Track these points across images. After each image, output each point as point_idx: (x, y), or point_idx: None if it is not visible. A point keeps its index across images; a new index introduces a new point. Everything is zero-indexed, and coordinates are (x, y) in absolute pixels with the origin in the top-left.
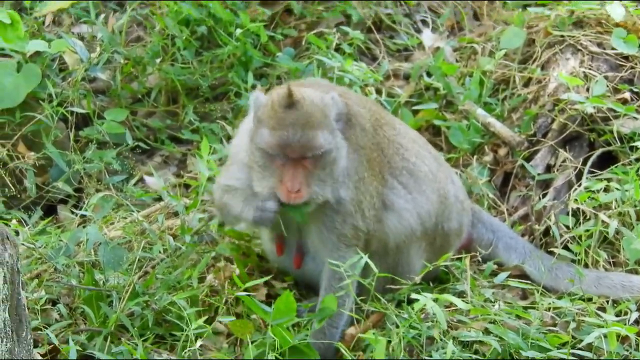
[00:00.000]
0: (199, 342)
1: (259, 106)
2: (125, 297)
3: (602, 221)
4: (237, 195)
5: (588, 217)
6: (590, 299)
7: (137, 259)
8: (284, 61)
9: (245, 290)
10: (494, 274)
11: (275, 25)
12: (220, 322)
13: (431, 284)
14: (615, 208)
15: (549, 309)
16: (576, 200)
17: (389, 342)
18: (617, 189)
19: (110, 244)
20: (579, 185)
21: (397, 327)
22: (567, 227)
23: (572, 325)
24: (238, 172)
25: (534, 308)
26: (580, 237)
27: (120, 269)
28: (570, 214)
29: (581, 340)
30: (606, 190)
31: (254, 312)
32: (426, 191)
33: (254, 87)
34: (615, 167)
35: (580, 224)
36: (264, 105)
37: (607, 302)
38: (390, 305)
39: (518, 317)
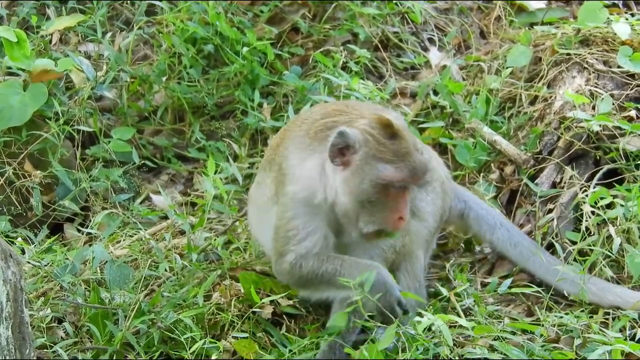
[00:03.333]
0: None
1: (360, 142)
2: (131, 315)
3: (606, 237)
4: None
5: (592, 233)
6: (594, 313)
7: (143, 277)
8: (291, 79)
9: (251, 308)
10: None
11: (282, 43)
12: (226, 341)
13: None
14: (619, 225)
15: (554, 325)
16: (581, 208)
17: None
18: (621, 205)
19: (117, 262)
20: (585, 200)
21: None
22: (573, 242)
23: (577, 341)
24: (316, 216)
25: (539, 324)
26: (585, 252)
27: (126, 287)
28: (582, 226)
29: (585, 358)
30: (610, 206)
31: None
32: (435, 186)
33: (260, 105)
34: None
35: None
36: (365, 140)
37: (611, 317)
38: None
39: (524, 331)
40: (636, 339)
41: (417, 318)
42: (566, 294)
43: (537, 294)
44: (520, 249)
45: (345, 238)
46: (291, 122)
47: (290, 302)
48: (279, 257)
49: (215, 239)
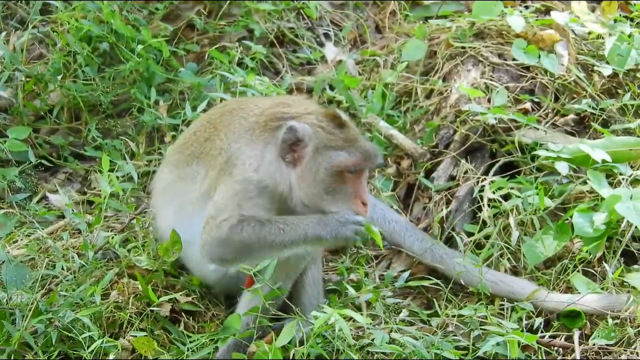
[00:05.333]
0: None
1: (310, 135)
2: (28, 315)
3: (502, 229)
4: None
5: (489, 225)
6: (492, 304)
7: (40, 277)
8: (187, 76)
9: (150, 306)
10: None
11: (178, 40)
12: (125, 339)
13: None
14: (516, 215)
15: (453, 316)
16: (479, 201)
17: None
18: (517, 196)
19: (13, 262)
20: (481, 193)
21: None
22: (470, 234)
23: (475, 333)
24: (269, 203)
25: (437, 316)
26: (483, 245)
27: (23, 286)
28: (480, 217)
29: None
30: (506, 198)
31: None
32: None
33: (156, 102)
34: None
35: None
36: (315, 132)
37: (507, 308)
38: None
39: (423, 322)
40: (533, 329)
41: (315, 313)
42: (465, 285)
43: (436, 287)
44: (413, 240)
45: None
46: (218, 115)
47: (189, 298)
48: (215, 224)
49: (112, 237)
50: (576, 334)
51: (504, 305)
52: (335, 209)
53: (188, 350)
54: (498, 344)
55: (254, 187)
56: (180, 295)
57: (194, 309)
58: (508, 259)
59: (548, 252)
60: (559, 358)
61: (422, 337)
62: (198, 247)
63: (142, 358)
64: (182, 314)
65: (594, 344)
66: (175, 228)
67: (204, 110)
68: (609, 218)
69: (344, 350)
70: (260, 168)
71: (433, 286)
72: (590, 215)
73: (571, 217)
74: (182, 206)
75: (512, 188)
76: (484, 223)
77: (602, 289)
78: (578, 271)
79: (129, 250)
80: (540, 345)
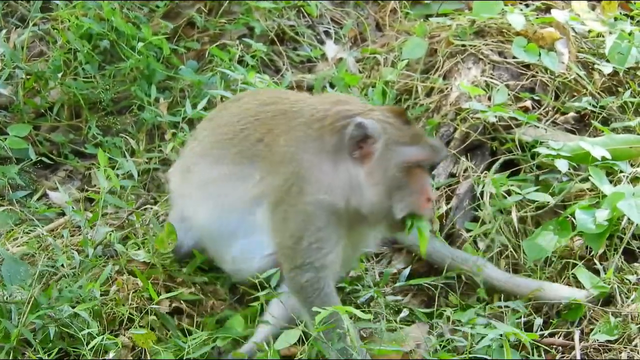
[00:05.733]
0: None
1: (379, 132)
2: (26, 311)
3: (503, 225)
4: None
5: (489, 222)
6: (487, 304)
7: (39, 273)
8: (187, 74)
9: (151, 301)
10: None
11: (178, 38)
12: (125, 336)
13: None
14: (517, 212)
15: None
16: (479, 199)
17: None
18: (517, 193)
19: (11, 258)
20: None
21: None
22: (471, 231)
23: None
24: (338, 223)
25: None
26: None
27: (22, 283)
28: (482, 213)
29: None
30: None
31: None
32: None
33: (157, 100)
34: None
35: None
36: (383, 129)
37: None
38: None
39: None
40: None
41: (316, 308)
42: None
43: (437, 284)
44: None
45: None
46: (269, 115)
47: (191, 290)
48: (297, 269)
49: (111, 234)
50: (576, 334)
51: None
52: (402, 205)
53: (188, 347)
54: (492, 345)
55: (325, 213)
56: (182, 291)
57: (194, 298)
58: (506, 256)
59: (548, 248)
60: (558, 357)
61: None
62: (242, 242)
63: (142, 356)
64: (183, 302)
65: (594, 340)
66: (218, 222)
67: (205, 109)
68: (611, 215)
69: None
70: (333, 185)
71: (433, 283)
72: (593, 211)
73: (572, 214)
74: (229, 203)
75: (512, 185)
76: (483, 222)
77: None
78: (579, 267)
79: (127, 248)
80: (540, 345)
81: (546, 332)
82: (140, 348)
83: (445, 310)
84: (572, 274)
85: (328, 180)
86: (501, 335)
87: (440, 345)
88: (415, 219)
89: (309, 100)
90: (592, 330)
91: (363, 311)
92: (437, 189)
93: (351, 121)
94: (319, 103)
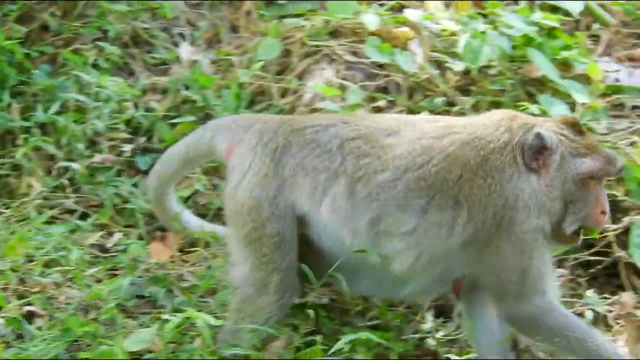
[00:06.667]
0: None
1: (556, 143)
2: None
3: None
4: None
5: None
6: None
7: None
8: (40, 78)
9: None
10: None
11: (32, 42)
12: None
13: None
14: None
15: None
16: None
17: None
18: None
19: None
20: None
21: None
22: None
23: None
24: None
25: None
26: None
27: None
28: None
29: None
30: None
31: None
32: None
33: (9, 105)
34: None
35: None
36: (559, 140)
37: None
38: None
39: None
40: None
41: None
42: None
43: None
44: None
45: None
46: (453, 148)
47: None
48: (524, 302)
49: None
50: None
51: None
52: (575, 218)
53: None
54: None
55: (540, 236)
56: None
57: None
58: None
59: None
60: None
61: None
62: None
63: None
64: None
65: None
66: (422, 274)
67: (59, 113)
68: None
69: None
70: (538, 203)
71: None
72: None
73: None
74: (436, 253)
75: None
76: None
77: None
78: None
79: None
80: None
81: None
82: None
83: None
84: None
85: (534, 203)
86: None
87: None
88: (589, 232)
89: (481, 122)
90: None
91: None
92: None
93: (531, 131)
94: (495, 125)
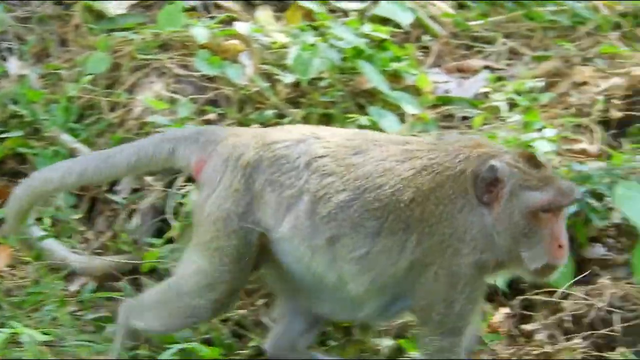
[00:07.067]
0: None
1: (508, 175)
2: None
3: None
4: None
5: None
6: None
7: None
8: None
9: None
10: None
11: None
12: None
13: None
14: None
15: None
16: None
17: None
18: None
19: None
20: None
21: None
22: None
23: None
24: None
25: None
26: None
27: None
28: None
29: None
30: None
31: None
32: None
33: None
34: None
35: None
36: (512, 173)
37: None
38: None
39: None
40: None
41: None
42: None
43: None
44: None
45: None
46: (412, 173)
47: None
48: (443, 334)
49: None
50: None
51: None
52: (532, 254)
53: None
54: None
55: (479, 272)
56: None
57: None
58: None
59: None
60: None
61: None
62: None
63: None
64: None
65: None
66: (374, 296)
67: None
68: None
69: None
70: (486, 237)
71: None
72: None
73: None
74: (387, 275)
75: None
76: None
77: None
78: None
79: None
80: None
81: None
82: None
83: None
84: None
85: (482, 237)
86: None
87: None
88: (552, 268)
89: (444, 147)
90: None
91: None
92: (121, 204)
93: (485, 163)
94: (455, 152)
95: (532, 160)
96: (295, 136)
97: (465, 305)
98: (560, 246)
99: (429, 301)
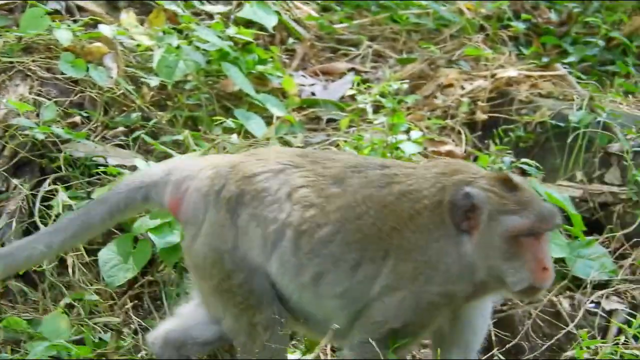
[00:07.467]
0: None
1: (484, 201)
2: None
3: None
4: None
5: None
6: None
7: None
8: None
9: None
10: None
11: None
12: None
13: None
14: None
15: None
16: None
17: None
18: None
19: None
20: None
21: None
22: None
23: None
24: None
25: None
26: None
27: None
28: None
29: None
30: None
31: None
32: None
33: None
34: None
35: None
36: (487, 198)
37: None
38: None
39: None
40: None
41: None
42: None
43: None
44: None
45: None
46: (387, 201)
47: None
48: (377, 344)
49: None
50: None
51: None
52: (515, 279)
53: None
54: None
55: (445, 301)
56: None
57: None
58: None
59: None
60: None
61: None
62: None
63: None
64: None
65: None
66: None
67: None
68: None
69: None
70: (462, 266)
71: None
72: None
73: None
74: (359, 298)
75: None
76: None
77: None
78: None
79: None
80: None
81: None
82: None
83: None
84: None
85: (456, 269)
86: None
87: None
88: (537, 289)
89: (422, 173)
90: None
91: None
92: None
93: (460, 190)
94: (433, 179)
95: (507, 183)
96: (274, 166)
97: (409, 326)
98: (544, 268)
99: (385, 318)
